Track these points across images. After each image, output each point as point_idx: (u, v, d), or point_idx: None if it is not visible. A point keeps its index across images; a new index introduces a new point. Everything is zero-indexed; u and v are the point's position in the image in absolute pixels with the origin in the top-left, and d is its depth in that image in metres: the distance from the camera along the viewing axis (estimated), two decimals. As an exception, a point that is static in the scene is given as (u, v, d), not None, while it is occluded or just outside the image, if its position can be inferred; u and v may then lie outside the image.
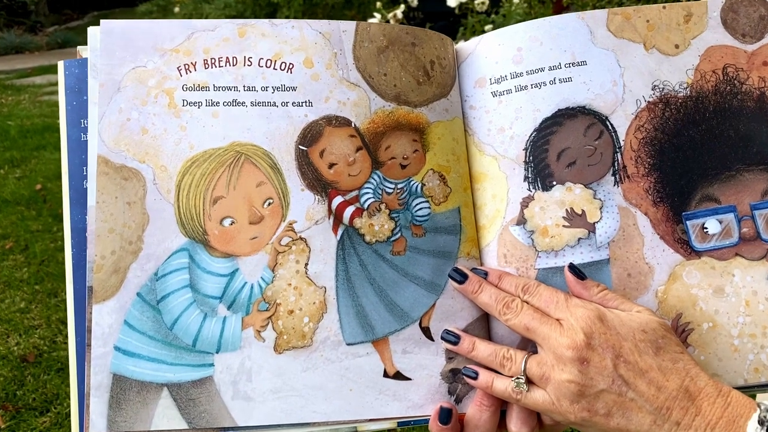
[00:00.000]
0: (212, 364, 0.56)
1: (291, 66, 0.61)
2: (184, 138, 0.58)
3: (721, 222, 0.61)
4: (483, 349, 0.57)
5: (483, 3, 1.99)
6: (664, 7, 0.65)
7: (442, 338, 0.59)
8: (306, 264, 0.58)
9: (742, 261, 0.60)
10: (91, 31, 0.59)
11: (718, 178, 0.61)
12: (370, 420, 0.56)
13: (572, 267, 0.58)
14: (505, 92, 0.64)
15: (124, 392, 0.54)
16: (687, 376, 0.50)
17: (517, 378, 0.54)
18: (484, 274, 0.60)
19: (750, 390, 0.58)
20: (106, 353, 0.54)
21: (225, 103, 0.59)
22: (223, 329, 0.56)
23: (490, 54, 0.65)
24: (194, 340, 0.56)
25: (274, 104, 0.60)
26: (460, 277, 0.59)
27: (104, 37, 0.59)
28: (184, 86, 0.59)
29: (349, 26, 0.63)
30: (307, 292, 0.58)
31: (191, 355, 0.56)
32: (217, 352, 0.56)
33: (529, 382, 0.54)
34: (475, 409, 0.56)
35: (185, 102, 0.59)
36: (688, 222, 0.61)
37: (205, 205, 0.58)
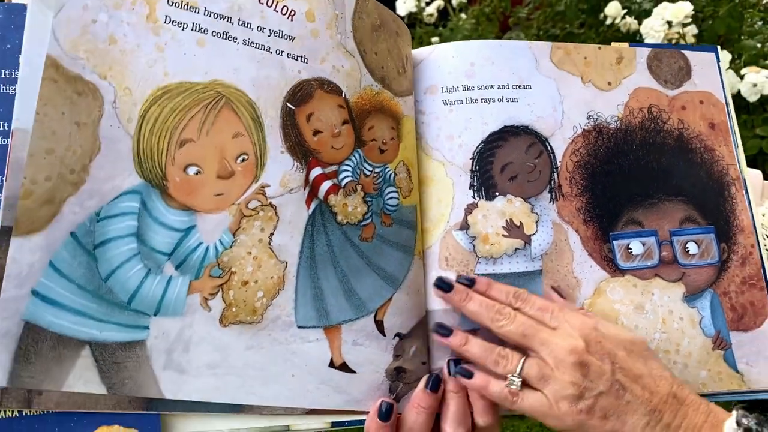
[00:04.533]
0: (147, 327, 0.49)
1: (293, 13, 0.54)
2: (159, 60, 0.49)
3: (643, 244, 0.65)
4: (476, 345, 0.56)
5: (431, 15, 1.96)
6: (599, 48, 0.71)
7: (434, 331, 0.57)
8: (271, 234, 0.53)
9: (661, 282, 0.65)
10: None
11: (642, 204, 0.66)
12: (306, 413, 0.53)
13: (555, 288, 0.60)
14: (456, 102, 0.66)
15: (36, 344, 0.45)
16: (674, 383, 0.53)
17: (511, 377, 0.53)
18: (470, 282, 0.58)
19: None
20: (20, 297, 0.45)
21: (214, 33, 0.51)
22: (167, 290, 0.49)
23: (443, 64, 0.67)
24: (131, 298, 0.48)
25: (269, 50, 0.53)
26: (446, 287, 0.58)
27: None
28: (170, 0, 0.50)
29: None
30: (267, 264, 0.52)
31: (124, 314, 0.48)
32: (154, 315, 0.49)
33: (524, 384, 0.53)
34: (411, 412, 0.55)
35: (168, 19, 0.50)
36: (614, 242, 0.65)
37: (170, 146, 0.50)
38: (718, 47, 0.74)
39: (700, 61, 0.73)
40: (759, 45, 1.68)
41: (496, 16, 1.96)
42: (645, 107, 0.70)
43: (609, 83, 0.69)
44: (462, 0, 2.06)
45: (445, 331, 0.57)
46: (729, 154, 0.70)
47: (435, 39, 1.90)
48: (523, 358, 0.54)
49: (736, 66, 1.59)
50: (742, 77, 1.53)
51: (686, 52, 0.73)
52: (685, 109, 0.71)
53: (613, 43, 0.71)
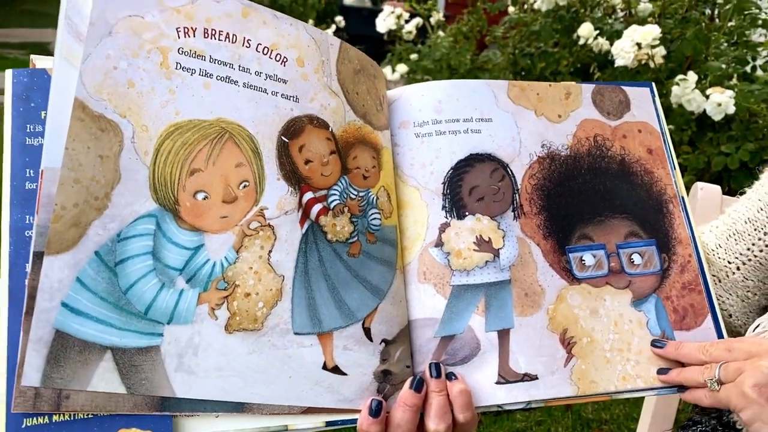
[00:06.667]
0: (161, 334, 0.55)
1: (285, 59, 0.63)
2: (171, 102, 0.57)
3: (594, 256, 0.73)
4: (686, 347, 0.68)
5: (410, 32, 2.07)
6: (550, 85, 0.80)
7: (653, 345, 0.70)
8: (270, 251, 0.60)
9: (611, 289, 0.73)
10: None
11: (592, 221, 0.75)
12: (303, 413, 0.59)
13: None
14: (426, 135, 0.74)
15: (65, 350, 0.52)
16: None
17: (711, 381, 0.63)
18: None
19: (619, 395, 0.69)
20: (51, 308, 0.51)
21: (219, 78, 0.59)
22: (178, 302, 0.56)
23: (414, 102, 0.75)
24: (147, 308, 0.55)
25: (265, 91, 0.61)
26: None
27: (102, -24, 0.55)
28: (180, 49, 0.58)
29: (334, 41, 0.67)
30: (267, 278, 0.59)
31: (141, 323, 0.55)
32: (168, 323, 0.55)
33: (720, 383, 0.62)
34: (398, 410, 0.62)
35: (179, 65, 0.58)
36: (570, 254, 0.73)
37: (181, 175, 0.57)
38: (653, 84, 0.84)
39: (637, 95, 0.83)
40: (724, 66, 1.75)
41: (473, 35, 2.04)
42: (591, 136, 0.79)
43: (559, 116, 0.78)
44: (440, 18, 2.16)
45: (660, 344, 0.69)
46: (666, 175, 0.79)
47: (414, 56, 1.98)
48: (720, 363, 0.63)
49: (701, 86, 1.66)
50: (707, 97, 1.61)
51: (625, 88, 0.82)
52: (626, 138, 0.80)
53: (561, 82, 0.81)
